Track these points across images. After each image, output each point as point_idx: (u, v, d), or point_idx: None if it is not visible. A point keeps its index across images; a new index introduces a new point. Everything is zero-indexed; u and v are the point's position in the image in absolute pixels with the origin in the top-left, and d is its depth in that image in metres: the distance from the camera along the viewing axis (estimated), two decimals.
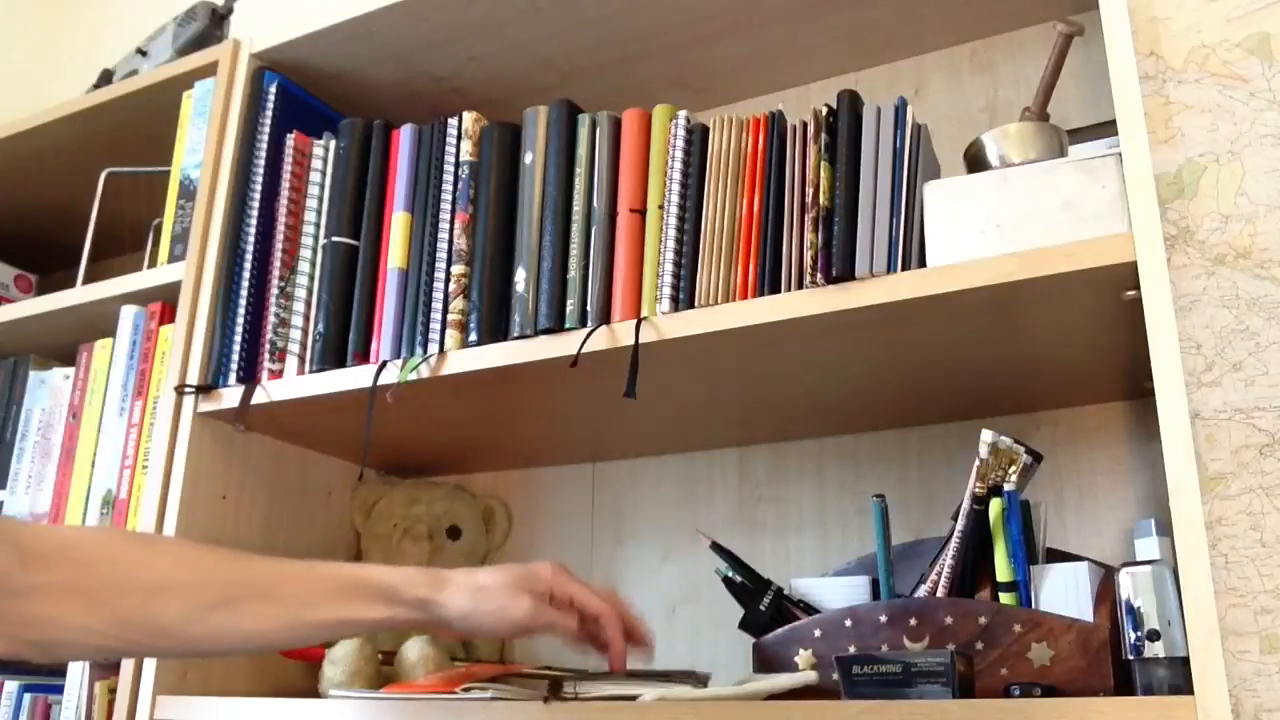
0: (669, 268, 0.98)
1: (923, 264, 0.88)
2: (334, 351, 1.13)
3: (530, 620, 0.87)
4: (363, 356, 1.11)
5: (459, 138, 1.12)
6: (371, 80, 1.34)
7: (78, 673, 1.25)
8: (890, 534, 0.98)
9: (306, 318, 1.16)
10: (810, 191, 0.93)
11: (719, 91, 1.35)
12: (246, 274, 1.19)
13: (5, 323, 1.44)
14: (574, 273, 1.02)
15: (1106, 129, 0.98)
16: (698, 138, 1.01)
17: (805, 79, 1.32)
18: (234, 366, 1.17)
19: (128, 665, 1.12)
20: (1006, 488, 0.90)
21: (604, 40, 1.26)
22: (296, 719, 1.00)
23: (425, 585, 0.87)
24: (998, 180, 0.87)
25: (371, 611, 0.85)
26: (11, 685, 1.39)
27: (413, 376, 1.05)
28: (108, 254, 1.67)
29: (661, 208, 1.00)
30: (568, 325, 1.01)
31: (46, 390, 1.43)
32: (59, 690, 1.28)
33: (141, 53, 1.53)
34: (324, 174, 1.20)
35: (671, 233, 0.99)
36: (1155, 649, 0.77)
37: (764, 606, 1.00)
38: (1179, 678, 0.75)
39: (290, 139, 1.23)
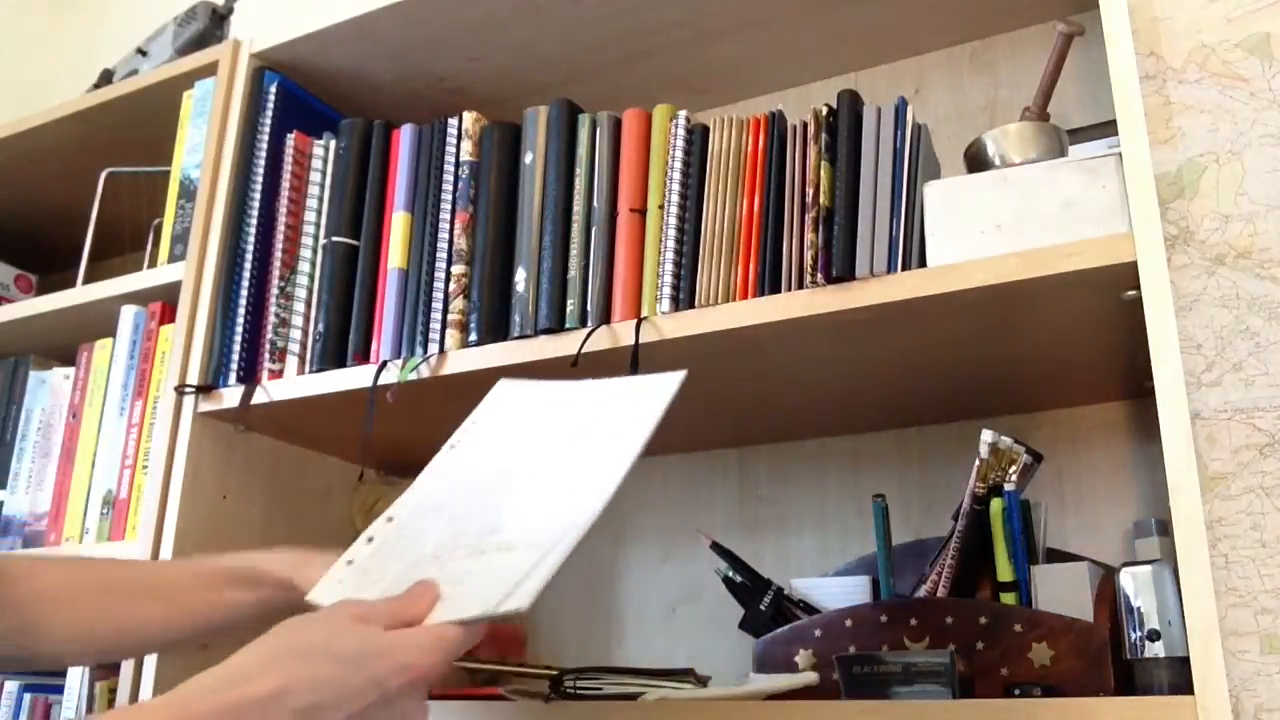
0: (669, 268, 0.98)
1: (923, 264, 0.88)
2: (334, 351, 1.13)
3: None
4: (363, 356, 1.11)
5: (459, 138, 1.12)
6: (371, 80, 1.34)
7: (78, 673, 1.25)
8: (890, 534, 0.98)
9: (306, 318, 1.16)
10: (810, 191, 0.93)
11: (719, 91, 1.35)
12: (246, 274, 1.19)
13: (5, 323, 1.44)
14: (574, 273, 1.02)
15: (1106, 129, 0.98)
16: (698, 138, 1.01)
17: (805, 79, 1.32)
18: (234, 366, 1.17)
19: (128, 666, 1.12)
20: (1006, 488, 0.90)
21: (604, 40, 1.26)
22: None
23: (288, 565, 0.84)
24: (998, 180, 0.87)
25: (241, 595, 0.84)
26: (11, 685, 1.39)
27: (413, 376, 1.05)
28: (108, 254, 1.67)
29: (661, 208, 1.00)
30: (568, 325, 1.01)
31: (46, 390, 1.43)
32: (59, 690, 1.28)
33: (141, 53, 1.53)
34: (324, 174, 1.20)
35: (671, 233, 0.99)
36: (1155, 649, 0.77)
37: (764, 606, 1.00)
38: (1179, 678, 0.75)
39: (290, 139, 1.23)
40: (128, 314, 1.33)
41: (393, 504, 0.78)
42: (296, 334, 1.16)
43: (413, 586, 0.68)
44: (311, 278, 1.17)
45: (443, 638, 0.64)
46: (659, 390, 0.79)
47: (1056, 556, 0.96)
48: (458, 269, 1.08)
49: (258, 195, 1.22)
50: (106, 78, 1.57)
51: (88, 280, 1.39)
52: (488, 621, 0.66)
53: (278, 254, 1.19)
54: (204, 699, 0.59)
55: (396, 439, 1.28)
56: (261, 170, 1.23)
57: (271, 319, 1.17)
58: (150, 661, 1.11)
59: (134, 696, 1.11)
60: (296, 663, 0.61)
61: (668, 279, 0.97)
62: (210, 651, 1.08)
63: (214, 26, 1.48)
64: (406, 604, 0.66)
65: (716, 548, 1.04)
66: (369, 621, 0.63)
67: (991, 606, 0.86)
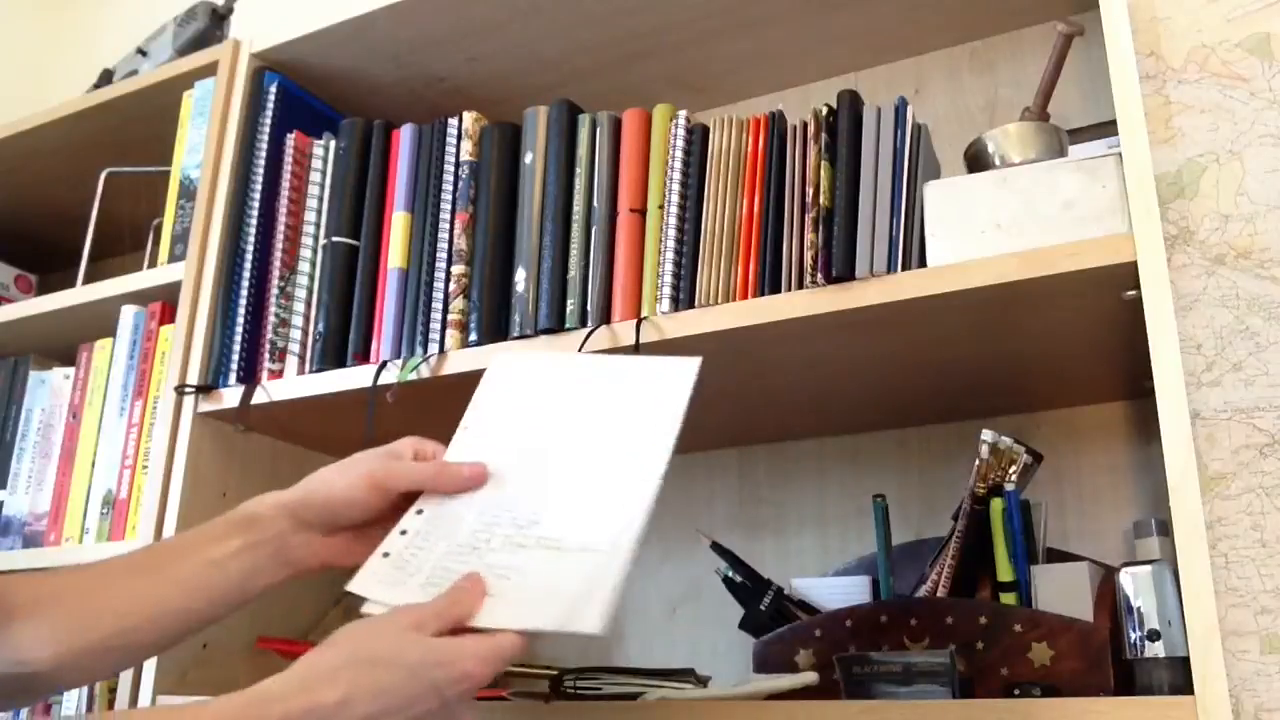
0: (669, 268, 0.98)
1: (923, 264, 0.88)
2: (334, 351, 1.13)
3: (385, 470, 0.79)
4: (363, 356, 1.11)
5: (459, 138, 1.12)
6: (371, 80, 1.34)
7: None
8: (890, 534, 0.98)
9: (306, 318, 1.16)
10: (810, 191, 0.93)
11: (719, 91, 1.35)
12: (246, 274, 1.19)
13: (5, 323, 1.44)
14: (574, 273, 1.02)
15: (1106, 129, 0.98)
16: (698, 138, 1.01)
17: (805, 79, 1.32)
18: (234, 366, 1.17)
19: None
20: (1006, 488, 0.90)
21: (604, 40, 1.26)
22: None
23: (281, 497, 0.81)
24: (998, 180, 0.87)
25: (229, 543, 0.78)
26: None
27: (413, 376, 1.05)
28: (108, 254, 1.67)
29: (661, 208, 1.00)
30: (568, 325, 1.01)
31: (46, 390, 1.43)
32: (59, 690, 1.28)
33: (141, 53, 1.53)
34: (324, 174, 1.20)
35: (671, 233, 0.99)
36: (1155, 649, 0.77)
37: (764, 606, 1.00)
38: (1179, 678, 0.75)
39: (290, 139, 1.23)
40: (128, 314, 1.33)
41: (420, 496, 0.78)
42: (296, 334, 1.16)
43: (459, 582, 0.69)
44: (311, 278, 1.17)
45: (499, 647, 0.66)
46: (679, 374, 0.79)
47: (1056, 556, 0.96)
48: (458, 269, 1.08)
49: (258, 195, 1.22)
50: (106, 78, 1.57)
51: (88, 280, 1.39)
52: (552, 637, 0.67)
53: (278, 254, 1.19)
54: (271, 705, 0.62)
55: (396, 439, 1.28)
56: (261, 170, 1.23)
57: (271, 319, 1.17)
58: (150, 663, 1.11)
59: (134, 697, 1.10)
60: (361, 671, 0.64)
61: (668, 279, 0.97)
62: (209, 650, 1.06)
63: (214, 26, 1.48)
64: (453, 601, 0.68)
65: (716, 548, 1.04)
66: (424, 628, 0.66)
67: (991, 606, 0.86)
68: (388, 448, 0.81)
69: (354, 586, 0.73)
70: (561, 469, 0.77)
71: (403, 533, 0.76)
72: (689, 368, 0.79)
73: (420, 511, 0.77)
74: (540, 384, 0.84)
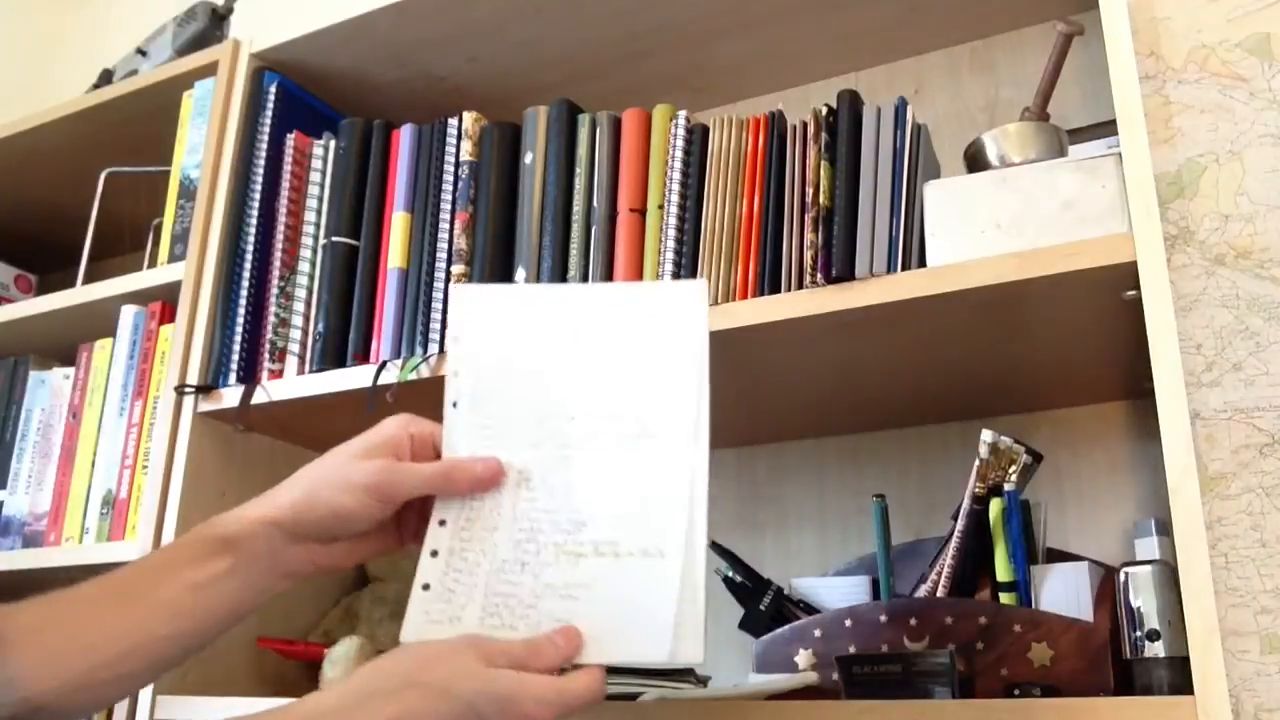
0: (669, 268, 0.98)
1: (923, 264, 0.88)
2: (334, 351, 1.13)
3: (388, 480, 0.71)
4: (363, 356, 1.11)
5: (459, 138, 1.12)
6: (371, 80, 1.34)
7: None
8: (890, 534, 0.98)
9: (306, 318, 1.16)
10: (810, 191, 0.93)
11: (719, 91, 1.35)
12: (246, 274, 1.19)
13: (5, 323, 1.44)
14: (574, 273, 1.02)
15: (1106, 129, 0.98)
16: (698, 138, 1.01)
17: (805, 79, 1.32)
18: (234, 366, 1.17)
19: None
20: (1006, 488, 0.90)
21: (604, 40, 1.26)
22: None
23: (259, 511, 0.74)
24: (998, 180, 0.87)
25: (217, 564, 0.72)
26: None
27: (413, 376, 1.05)
28: (108, 254, 1.66)
29: (661, 208, 1.00)
30: None
31: (46, 390, 1.43)
32: None
33: (141, 53, 1.53)
34: (324, 174, 1.20)
35: (671, 233, 0.99)
36: (1155, 649, 0.77)
37: (764, 606, 1.00)
38: (1179, 678, 0.75)
39: (290, 139, 1.23)
40: (128, 314, 1.33)
41: (434, 505, 0.72)
42: (296, 334, 1.16)
43: (552, 636, 0.65)
44: (311, 278, 1.17)
45: (568, 690, 0.63)
46: (687, 300, 0.70)
47: (1056, 556, 0.96)
48: (458, 269, 1.08)
49: (258, 195, 1.22)
50: (106, 78, 1.57)
51: (88, 280, 1.39)
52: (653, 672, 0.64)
53: (278, 254, 1.19)
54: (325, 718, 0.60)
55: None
56: (261, 170, 1.23)
57: (271, 319, 1.17)
58: None
59: (133, 699, 1.10)
60: (415, 695, 0.61)
61: (668, 279, 0.97)
62: (209, 650, 1.04)
63: (214, 26, 1.48)
64: (532, 653, 0.64)
65: (716, 548, 1.04)
66: (494, 662, 0.62)
67: (991, 606, 0.86)
68: (380, 437, 0.74)
69: (406, 636, 0.69)
70: (586, 444, 0.69)
71: (433, 554, 0.70)
72: (696, 291, 0.72)
73: (443, 523, 0.71)
74: (524, 327, 0.74)
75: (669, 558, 0.65)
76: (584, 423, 0.71)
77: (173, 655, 0.74)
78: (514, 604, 0.66)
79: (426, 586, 0.70)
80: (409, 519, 0.76)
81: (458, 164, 1.12)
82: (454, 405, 0.74)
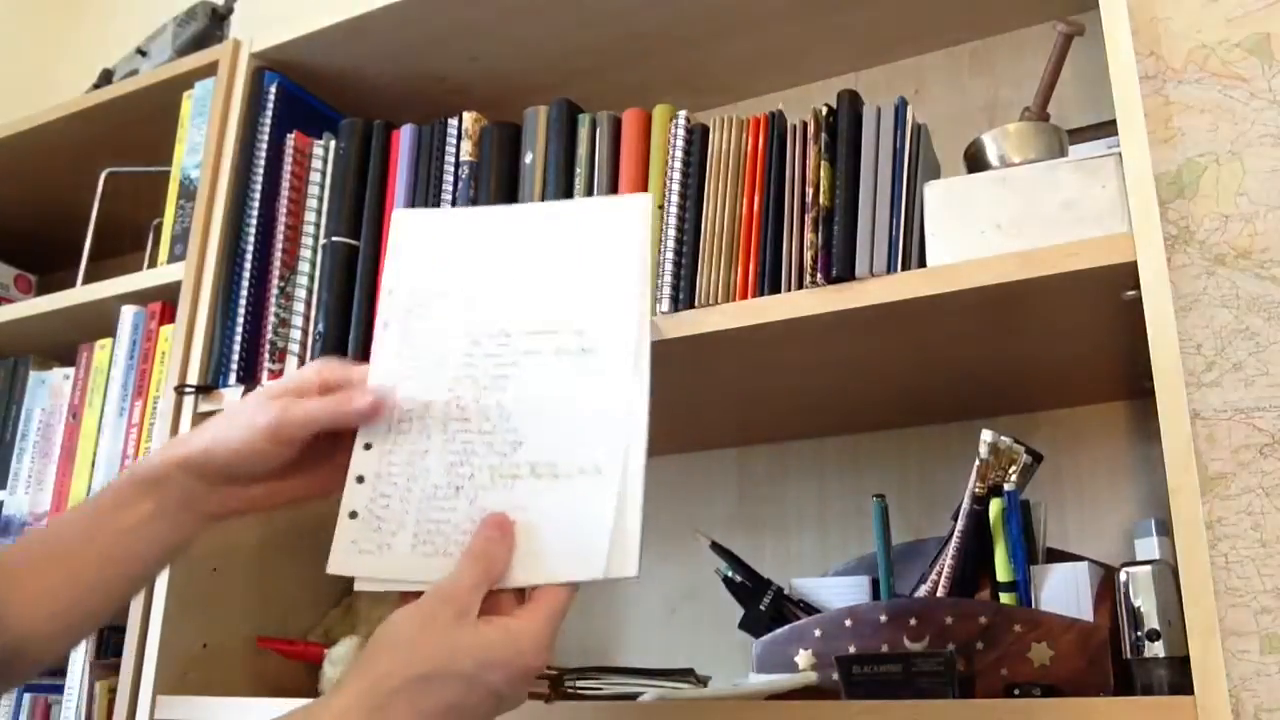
0: (669, 268, 0.98)
1: (923, 264, 0.88)
2: (334, 351, 1.13)
3: (280, 418, 0.69)
4: (362, 357, 1.11)
5: (459, 138, 1.12)
6: (371, 80, 1.34)
7: (78, 673, 1.25)
8: (890, 534, 0.98)
9: (306, 318, 1.16)
10: (810, 191, 0.93)
11: (719, 91, 1.35)
12: (246, 274, 1.19)
13: (5, 323, 1.44)
14: None
15: (1106, 129, 0.98)
16: (698, 138, 1.01)
17: (805, 79, 1.32)
18: (234, 366, 1.17)
19: (128, 665, 1.12)
20: (1006, 488, 0.90)
21: (604, 40, 1.26)
22: None
23: (170, 447, 0.74)
24: (998, 180, 0.87)
25: (142, 508, 0.72)
26: None
27: None
28: (108, 254, 1.66)
29: (661, 208, 1.00)
30: None
31: (46, 390, 1.43)
32: (59, 690, 1.28)
33: (141, 53, 1.53)
34: (324, 174, 1.20)
35: (671, 233, 0.99)
36: (1155, 649, 0.77)
37: (764, 606, 1.00)
38: (1179, 678, 0.75)
39: (290, 139, 1.23)
40: (127, 314, 1.33)
41: (359, 429, 0.68)
42: (296, 334, 1.16)
43: (484, 532, 0.63)
44: (311, 278, 1.17)
45: (551, 617, 0.62)
46: (628, 213, 0.68)
47: (1056, 556, 0.96)
48: None
49: (258, 195, 1.22)
50: (106, 78, 1.57)
51: (88, 280, 1.39)
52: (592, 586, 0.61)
53: (278, 254, 1.19)
54: None
55: None
56: (261, 170, 1.23)
57: (271, 319, 1.17)
58: (149, 664, 1.10)
59: (134, 696, 1.10)
60: (417, 694, 0.60)
61: (667, 279, 0.97)
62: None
63: (214, 26, 1.48)
64: (488, 562, 0.62)
65: (716, 547, 1.04)
66: (468, 613, 0.61)
67: (991, 606, 0.86)
68: (291, 379, 0.73)
69: (333, 568, 0.66)
70: (520, 364, 0.67)
71: (359, 479, 0.67)
72: (638, 204, 0.69)
73: (369, 447, 0.68)
74: (463, 247, 0.72)
75: (606, 475, 0.63)
76: (520, 340, 0.68)
77: (104, 607, 0.74)
78: (448, 529, 0.64)
79: (354, 514, 0.67)
80: (340, 464, 0.72)
81: (458, 164, 1.12)
82: (385, 325, 0.72)
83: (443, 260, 0.73)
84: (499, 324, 0.69)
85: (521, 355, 0.68)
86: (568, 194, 1.05)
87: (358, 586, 0.66)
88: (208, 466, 0.72)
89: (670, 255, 0.98)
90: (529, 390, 0.67)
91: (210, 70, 1.33)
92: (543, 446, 0.65)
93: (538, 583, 0.62)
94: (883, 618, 0.89)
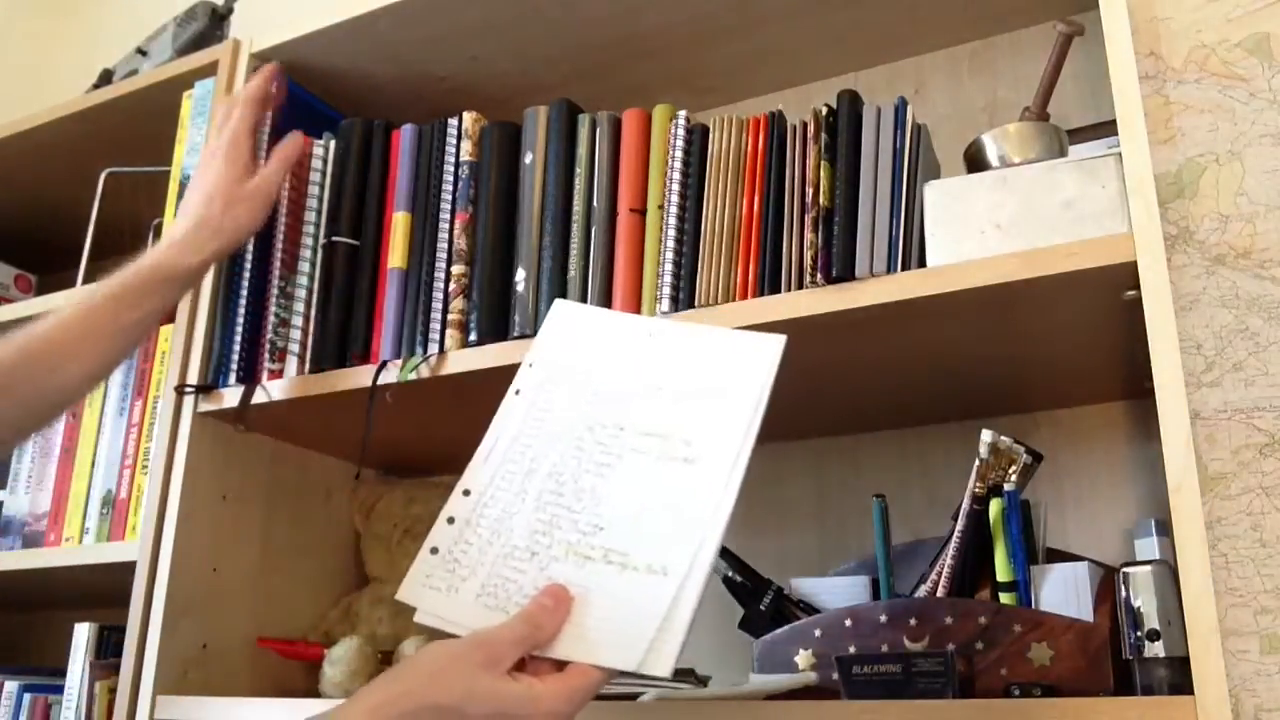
0: (669, 267, 0.98)
1: (923, 264, 0.88)
2: (334, 351, 1.13)
3: (259, 217, 1.07)
4: (362, 357, 1.11)
5: (459, 138, 1.12)
6: (371, 80, 1.34)
7: (78, 673, 1.25)
8: (890, 534, 0.98)
9: (306, 318, 1.16)
10: (810, 191, 0.93)
11: (719, 91, 1.35)
12: (246, 274, 1.19)
13: (5, 323, 1.43)
14: (574, 273, 1.02)
15: (1106, 129, 0.98)
16: (698, 138, 1.01)
17: (805, 79, 1.32)
18: (234, 366, 1.17)
19: (128, 665, 1.12)
20: (1006, 488, 0.90)
21: (604, 40, 1.26)
22: (297, 719, 1.00)
23: (169, 246, 1.02)
24: (998, 180, 0.87)
25: (149, 305, 0.99)
26: (11, 685, 1.39)
27: (413, 376, 1.05)
28: (108, 254, 1.66)
29: (661, 208, 1.00)
30: None
31: None
32: (59, 690, 1.28)
33: (141, 53, 1.53)
34: (324, 174, 1.20)
35: (671, 233, 0.99)
36: (1155, 649, 0.77)
37: (764, 606, 1.00)
38: (1179, 678, 0.75)
39: None
40: None
41: (465, 473, 0.74)
42: (296, 334, 1.16)
43: (540, 599, 0.66)
44: (311, 278, 1.17)
45: (576, 691, 0.63)
46: (761, 354, 0.73)
47: (1056, 556, 0.96)
48: (458, 269, 1.08)
49: None
50: (106, 78, 1.57)
51: (87, 280, 1.39)
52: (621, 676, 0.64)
53: (278, 254, 1.19)
54: None
55: (396, 439, 1.28)
56: None
57: (271, 319, 1.17)
58: (149, 664, 1.10)
59: (134, 696, 1.10)
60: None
61: (667, 279, 0.97)
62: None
63: (214, 26, 1.48)
64: (534, 627, 0.65)
65: None
66: (499, 665, 0.63)
67: (991, 606, 0.86)
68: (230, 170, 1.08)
69: (403, 596, 0.69)
70: (625, 458, 0.72)
71: (450, 520, 0.71)
72: (773, 346, 0.74)
73: (467, 493, 0.73)
74: (604, 343, 0.79)
75: (670, 578, 0.66)
76: (631, 438, 0.73)
77: (120, 362, 1.02)
78: (512, 589, 0.67)
79: (435, 550, 0.71)
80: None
81: (458, 164, 1.12)
82: (517, 392, 0.78)
83: (584, 350, 0.80)
84: (617, 418, 0.74)
85: (628, 450, 0.73)
86: (568, 194, 1.05)
87: (417, 618, 0.69)
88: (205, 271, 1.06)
89: (670, 255, 0.98)
90: (625, 483, 0.71)
91: (210, 70, 1.33)
92: (621, 536, 0.69)
93: (576, 659, 0.65)
94: (883, 618, 0.89)
